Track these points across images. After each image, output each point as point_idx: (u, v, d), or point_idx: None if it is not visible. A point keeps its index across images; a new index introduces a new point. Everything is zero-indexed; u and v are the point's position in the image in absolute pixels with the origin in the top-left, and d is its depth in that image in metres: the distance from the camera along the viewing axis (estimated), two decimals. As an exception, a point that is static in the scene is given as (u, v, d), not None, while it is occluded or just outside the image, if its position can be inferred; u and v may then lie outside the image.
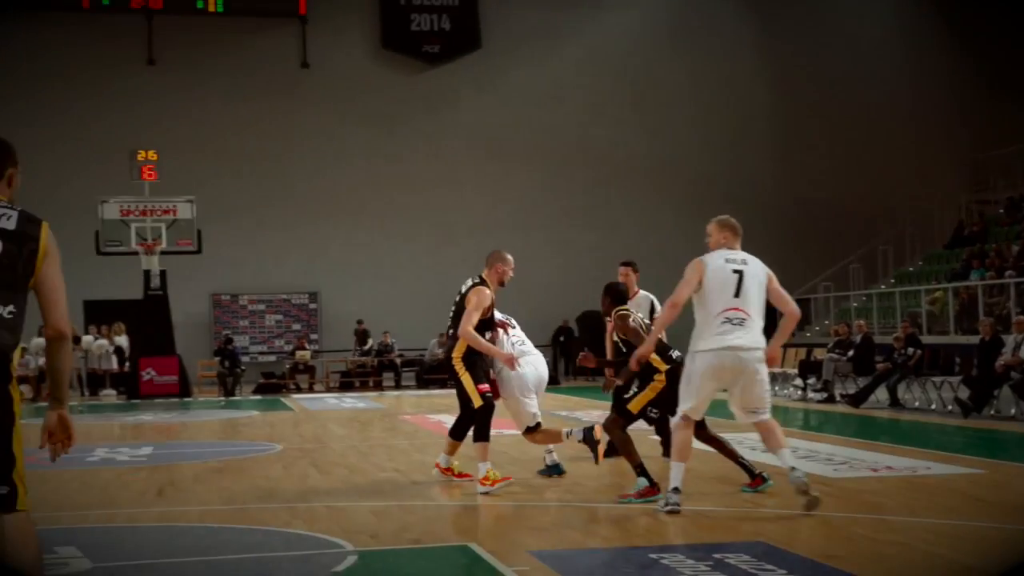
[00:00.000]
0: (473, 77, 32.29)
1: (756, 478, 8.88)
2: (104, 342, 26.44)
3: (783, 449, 7.94)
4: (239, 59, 31.21)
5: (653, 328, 8.49)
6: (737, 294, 7.86)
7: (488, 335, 9.29)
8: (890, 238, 30.34)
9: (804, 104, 33.15)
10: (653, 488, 8.42)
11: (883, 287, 28.11)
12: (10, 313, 4.23)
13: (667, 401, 8.74)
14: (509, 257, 9.48)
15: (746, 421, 8.14)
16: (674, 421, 8.07)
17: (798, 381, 20.26)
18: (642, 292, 11.47)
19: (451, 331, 9.31)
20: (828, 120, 33.16)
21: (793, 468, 7.74)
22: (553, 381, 27.54)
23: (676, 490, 7.80)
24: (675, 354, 8.88)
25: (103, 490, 9.80)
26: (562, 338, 30.01)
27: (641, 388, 8.87)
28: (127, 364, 26.06)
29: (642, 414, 8.97)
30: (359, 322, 28.61)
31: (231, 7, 31.12)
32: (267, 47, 31.57)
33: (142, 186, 25.24)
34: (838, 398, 19.07)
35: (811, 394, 19.77)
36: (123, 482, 10.25)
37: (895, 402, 17.71)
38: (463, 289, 9.30)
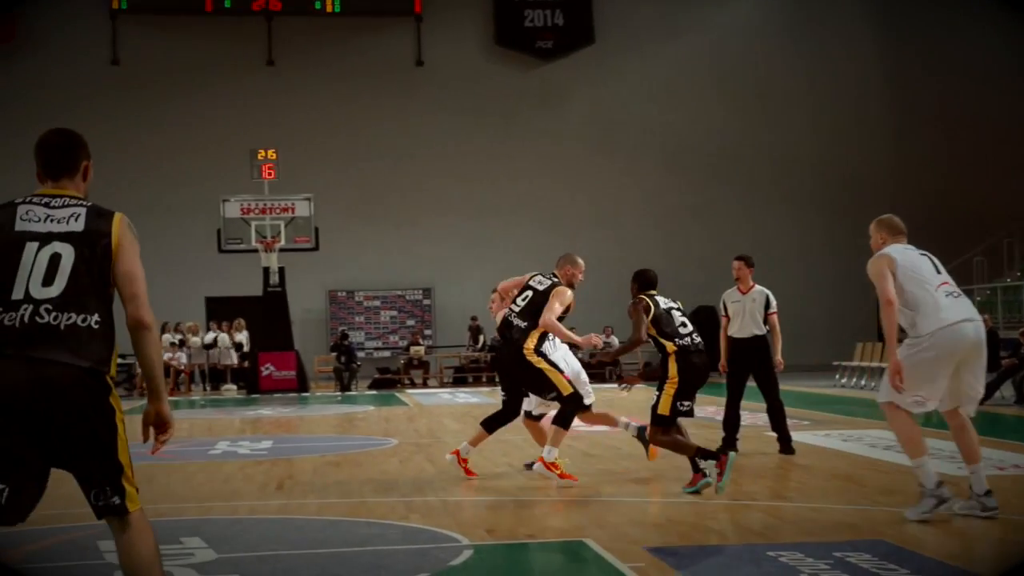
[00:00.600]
0: (586, 72, 32.23)
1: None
2: (226, 337, 27.04)
3: (978, 465, 7.24)
4: (355, 58, 31.65)
5: (886, 338, 7.30)
6: (938, 271, 7.40)
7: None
8: (1015, 230, 29.44)
9: (921, 97, 32.38)
10: (698, 474, 8.51)
11: (1008, 280, 27.30)
12: (96, 323, 4.10)
13: (690, 388, 8.85)
14: (580, 261, 9.70)
15: (954, 411, 7.29)
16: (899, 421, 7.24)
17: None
18: (757, 287, 11.33)
19: (521, 323, 9.39)
20: (946, 112, 32.31)
21: (988, 493, 7.14)
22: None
23: (940, 484, 7.14)
24: (683, 338, 8.88)
25: (225, 482, 10.01)
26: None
27: (660, 388, 8.82)
28: (247, 360, 26.61)
29: (676, 412, 8.81)
30: (473, 318, 28.78)
31: (348, 7, 31.57)
32: (383, 46, 31.94)
33: (262, 185, 25.73)
34: (962, 395, 18.56)
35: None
36: (245, 475, 10.46)
37: (1021, 399, 17.18)
38: (537, 286, 9.51)
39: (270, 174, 25.76)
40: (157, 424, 4.28)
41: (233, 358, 27.08)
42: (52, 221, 4.14)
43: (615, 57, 32.20)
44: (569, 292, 9.37)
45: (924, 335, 7.06)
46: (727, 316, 11.47)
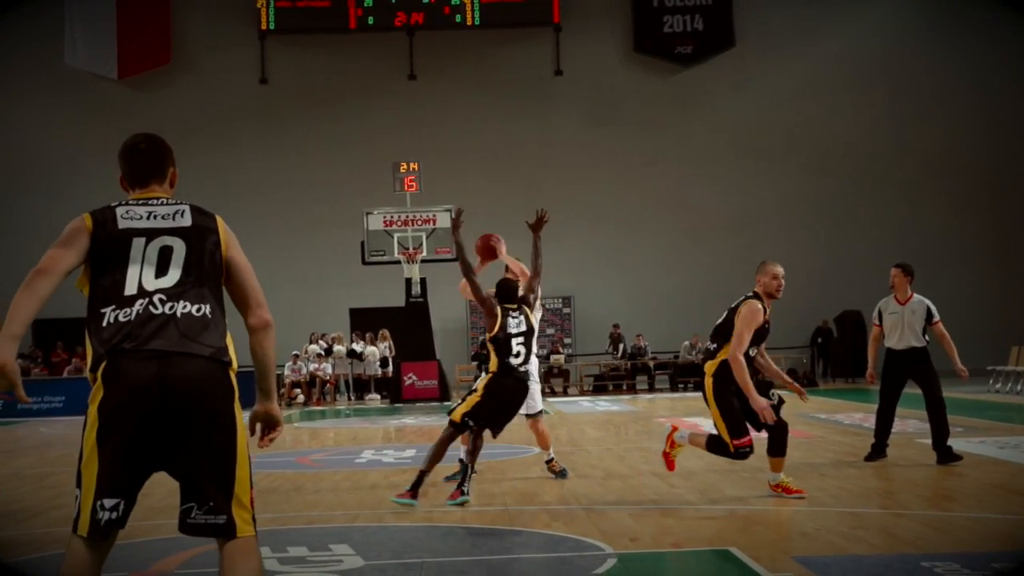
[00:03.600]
0: (727, 76, 31.88)
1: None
2: (373, 349, 27.46)
3: None
4: (495, 69, 31.91)
5: None
6: None
7: (754, 350, 8.63)
8: None
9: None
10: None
11: None
12: (211, 312, 3.95)
13: (489, 410, 8.98)
14: (772, 268, 8.62)
15: None
16: None
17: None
18: (916, 296, 10.93)
19: (711, 345, 8.75)
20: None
21: None
22: (812, 383, 26.94)
23: None
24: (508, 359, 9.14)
25: (371, 490, 10.14)
26: (820, 339, 29.16)
27: (468, 395, 9.12)
28: (390, 369, 26.97)
29: (464, 426, 9.04)
30: (615, 326, 28.68)
31: (487, 19, 31.87)
32: (522, 56, 32.13)
33: (404, 197, 26.09)
34: None
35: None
36: (390, 483, 10.57)
37: None
38: (734, 303, 8.72)
39: (412, 186, 26.10)
40: (267, 423, 4.15)
41: (376, 368, 27.48)
42: (156, 218, 4.03)
43: (756, 60, 31.78)
44: (758, 305, 8.53)
45: None
46: (880, 326, 11.03)
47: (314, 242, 30.37)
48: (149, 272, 3.94)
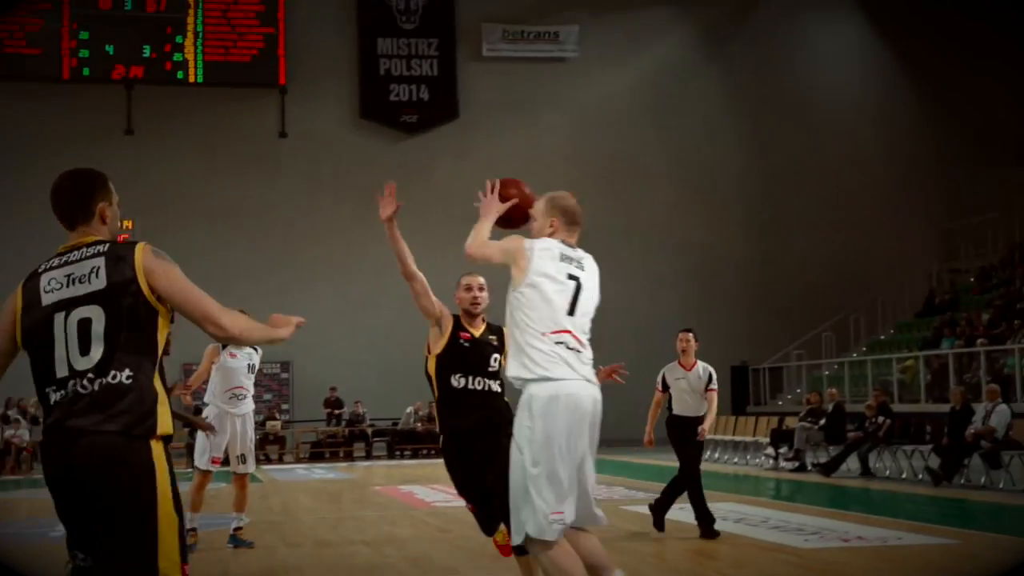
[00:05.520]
0: (451, 145, 32.49)
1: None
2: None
3: None
4: (218, 128, 31.33)
5: None
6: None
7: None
8: (861, 307, 30.50)
9: (777, 174, 33.38)
10: None
11: (855, 355, 28.17)
12: (128, 377, 3.74)
13: None
14: (463, 280, 7.14)
15: None
16: None
17: (770, 450, 20.20)
18: (700, 363, 10.77)
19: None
20: (800, 190, 33.40)
21: None
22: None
23: None
24: None
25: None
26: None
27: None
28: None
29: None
30: (332, 388, 28.48)
31: (210, 78, 31.26)
32: (247, 116, 31.68)
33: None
34: (809, 467, 19.03)
35: (783, 463, 19.72)
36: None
37: (866, 471, 17.69)
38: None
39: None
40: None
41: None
42: (73, 283, 3.85)
43: (479, 131, 32.54)
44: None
45: None
46: (663, 391, 10.87)
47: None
48: (75, 350, 3.80)
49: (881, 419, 17.94)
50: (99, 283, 3.83)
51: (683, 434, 10.60)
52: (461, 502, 10.33)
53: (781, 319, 31.33)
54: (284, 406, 30.19)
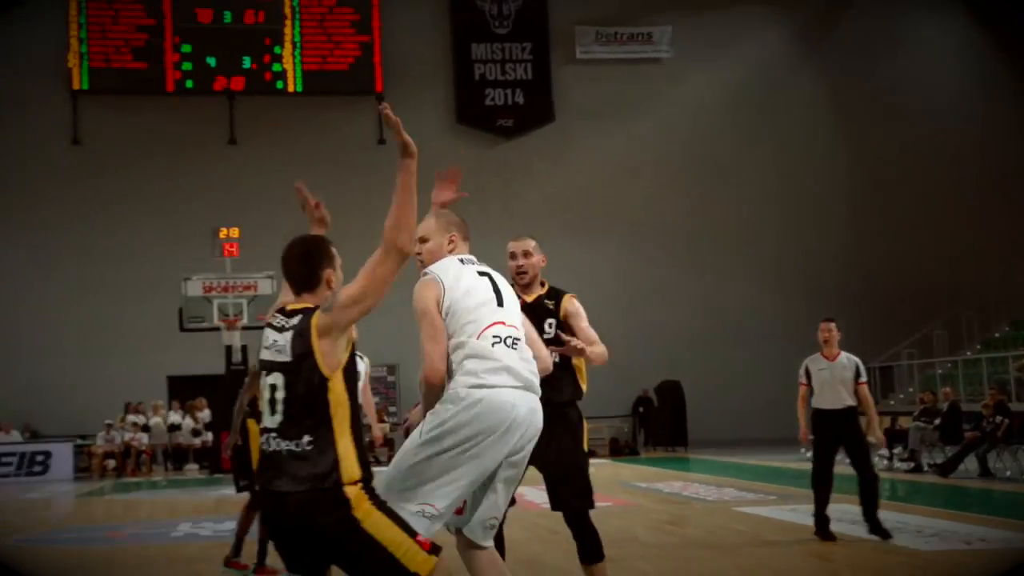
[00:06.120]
0: (547, 148, 32.55)
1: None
2: (189, 420, 26.70)
3: None
4: (318, 136, 31.79)
5: None
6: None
7: None
8: (974, 304, 29.79)
9: (878, 172, 32.83)
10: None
11: (969, 354, 27.55)
12: (309, 443, 4.14)
13: None
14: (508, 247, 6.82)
15: None
16: None
17: (884, 451, 19.82)
18: (844, 353, 10.44)
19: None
20: (903, 188, 32.79)
21: None
22: (634, 452, 27.45)
23: None
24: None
25: (187, 564, 9.85)
26: (641, 408, 29.71)
27: None
28: (210, 438, 26.25)
29: None
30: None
31: (309, 87, 31.78)
32: (345, 124, 32.09)
33: (224, 263, 25.63)
34: (925, 468, 18.63)
35: (897, 463, 19.34)
36: (206, 557, 10.29)
37: (985, 472, 17.24)
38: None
39: (232, 253, 25.67)
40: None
41: (195, 438, 26.71)
42: (275, 349, 4.25)
43: (574, 134, 32.53)
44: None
45: None
46: (807, 384, 10.48)
47: (130, 308, 29.44)
48: (266, 408, 4.24)
49: (999, 418, 17.49)
50: (284, 355, 4.25)
51: (825, 431, 10.22)
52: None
53: (890, 318, 30.74)
54: (391, 408, 30.49)
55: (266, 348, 4.30)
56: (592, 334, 6.27)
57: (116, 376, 28.19)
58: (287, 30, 31.93)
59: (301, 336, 4.18)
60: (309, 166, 31.62)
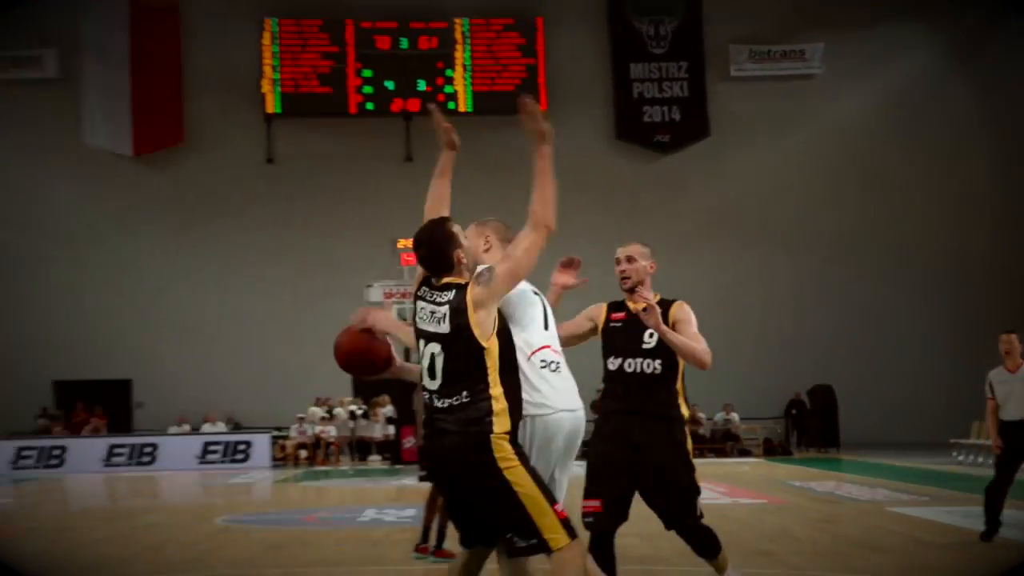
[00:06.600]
0: (704, 164, 32.34)
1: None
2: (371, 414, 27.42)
3: None
4: (487, 151, 32.18)
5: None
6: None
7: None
8: None
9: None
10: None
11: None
12: (467, 396, 4.47)
13: None
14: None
15: None
16: None
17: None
18: None
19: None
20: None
21: None
22: (787, 452, 27.02)
23: None
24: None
25: (374, 547, 10.16)
26: (794, 411, 29.21)
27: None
28: (393, 432, 26.79)
29: None
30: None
31: (479, 106, 32.30)
32: (513, 139, 32.23)
33: (402, 271, 26.27)
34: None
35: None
36: (392, 540, 10.60)
37: None
38: None
39: (410, 261, 26.26)
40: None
41: (378, 431, 27.35)
42: (433, 320, 4.56)
43: (729, 149, 32.21)
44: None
45: None
46: (993, 398, 9.93)
47: (317, 312, 30.40)
48: (425, 372, 4.60)
49: None
50: (443, 327, 4.62)
51: (1011, 442, 9.67)
52: (728, 499, 10.27)
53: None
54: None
55: (421, 319, 4.60)
56: (698, 339, 6.00)
57: (304, 373, 29.15)
58: (458, 54, 32.57)
59: (458, 311, 4.47)
60: (482, 179, 32.13)
